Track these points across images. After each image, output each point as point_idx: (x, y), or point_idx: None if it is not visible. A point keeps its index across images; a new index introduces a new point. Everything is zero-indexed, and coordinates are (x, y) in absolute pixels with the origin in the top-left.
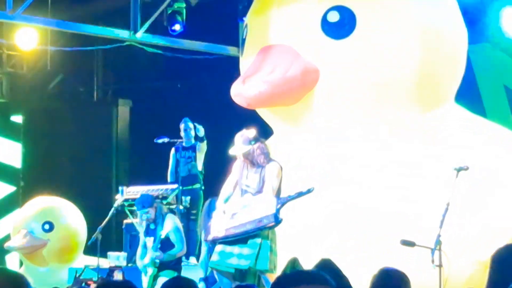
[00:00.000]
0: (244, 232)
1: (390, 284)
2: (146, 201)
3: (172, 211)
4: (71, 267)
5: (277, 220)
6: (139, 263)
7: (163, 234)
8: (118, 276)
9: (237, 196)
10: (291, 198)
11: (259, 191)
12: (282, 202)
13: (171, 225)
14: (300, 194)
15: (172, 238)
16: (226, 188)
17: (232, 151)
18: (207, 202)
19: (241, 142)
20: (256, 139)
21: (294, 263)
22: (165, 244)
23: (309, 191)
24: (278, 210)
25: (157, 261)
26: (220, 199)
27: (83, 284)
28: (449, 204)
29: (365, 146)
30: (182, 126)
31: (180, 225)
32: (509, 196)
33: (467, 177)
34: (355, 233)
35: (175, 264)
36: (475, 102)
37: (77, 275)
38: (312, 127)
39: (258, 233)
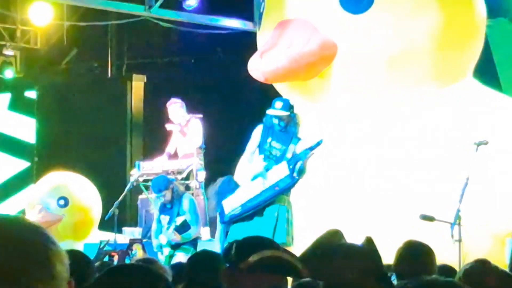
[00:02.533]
0: (262, 202)
1: (416, 255)
2: (162, 184)
3: (188, 187)
4: (86, 243)
5: (293, 180)
6: (154, 241)
7: (179, 220)
8: (137, 249)
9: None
10: (302, 154)
11: (281, 159)
12: (294, 161)
13: (187, 205)
14: (310, 149)
15: (188, 218)
16: (246, 160)
17: (272, 112)
18: (224, 179)
19: (281, 107)
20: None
21: (336, 233)
22: (182, 227)
23: (318, 144)
24: (291, 170)
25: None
26: (242, 174)
27: (107, 256)
28: (468, 179)
29: (382, 120)
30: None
31: (196, 204)
32: None
33: (486, 151)
34: (375, 208)
35: (192, 240)
36: (491, 76)
37: (101, 247)
38: (330, 102)
39: (275, 206)
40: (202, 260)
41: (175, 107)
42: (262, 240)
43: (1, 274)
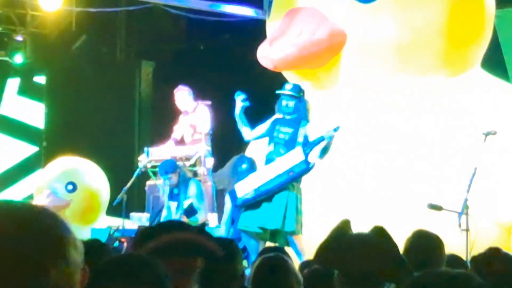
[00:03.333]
0: (276, 187)
1: (426, 245)
2: (170, 167)
3: (195, 174)
4: (93, 228)
5: (309, 165)
6: None
7: (186, 203)
8: None
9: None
10: (318, 140)
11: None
12: (310, 146)
13: (194, 191)
14: (322, 138)
15: (196, 204)
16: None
17: (281, 92)
18: (236, 158)
19: (291, 88)
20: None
21: (346, 224)
22: (189, 210)
23: (335, 130)
24: (307, 155)
25: None
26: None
27: (117, 242)
28: (476, 169)
29: (390, 110)
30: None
31: (203, 190)
32: None
33: (494, 141)
34: (384, 198)
35: (199, 226)
36: (499, 67)
37: (111, 233)
38: (339, 90)
39: (284, 193)
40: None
41: (183, 94)
42: (172, 223)
43: (16, 260)
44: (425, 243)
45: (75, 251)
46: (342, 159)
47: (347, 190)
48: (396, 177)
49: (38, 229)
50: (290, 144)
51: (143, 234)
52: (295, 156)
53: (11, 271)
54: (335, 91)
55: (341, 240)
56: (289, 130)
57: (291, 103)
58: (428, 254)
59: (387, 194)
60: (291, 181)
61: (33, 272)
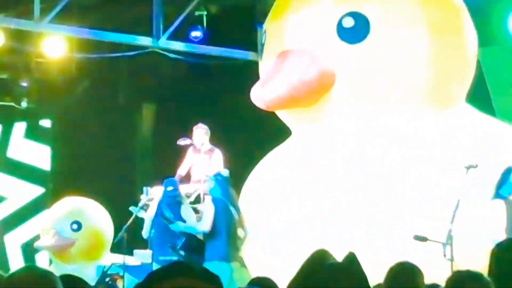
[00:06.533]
0: None
1: (406, 276)
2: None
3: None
4: (99, 265)
5: None
6: None
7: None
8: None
9: None
10: None
11: None
12: None
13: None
14: None
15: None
16: None
17: None
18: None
19: None
20: None
21: (324, 254)
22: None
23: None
24: None
25: None
26: None
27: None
28: (459, 201)
29: (379, 145)
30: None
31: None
32: None
33: (476, 174)
34: (370, 229)
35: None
36: (485, 101)
37: (105, 270)
38: (329, 127)
39: None
40: None
41: (201, 132)
42: (180, 267)
43: None
44: (406, 274)
45: None
46: (327, 189)
47: (334, 218)
48: (383, 209)
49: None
50: None
51: (151, 277)
52: None
53: None
54: (325, 128)
55: (313, 272)
56: None
57: None
58: (408, 283)
59: (375, 225)
60: None
61: None
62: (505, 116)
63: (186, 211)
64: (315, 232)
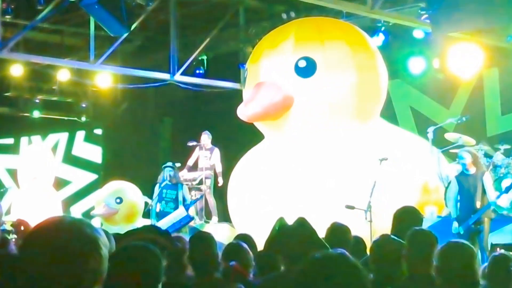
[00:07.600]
0: None
1: (339, 231)
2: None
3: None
4: (134, 227)
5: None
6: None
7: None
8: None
9: None
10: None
11: None
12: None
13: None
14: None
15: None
16: None
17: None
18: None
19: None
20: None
21: (281, 221)
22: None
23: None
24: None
25: None
26: None
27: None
28: (375, 182)
29: (324, 146)
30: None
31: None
32: (412, 175)
33: (387, 164)
34: (317, 203)
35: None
36: (392, 116)
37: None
38: (289, 134)
39: None
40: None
41: (205, 136)
42: (148, 227)
43: (68, 252)
44: (339, 231)
45: (104, 247)
46: (292, 180)
47: (294, 200)
48: (325, 188)
49: (81, 234)
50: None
51: (126, 232)
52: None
53: (66, 259)
54: (288, 134)
55: (279, 234)
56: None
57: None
58: (339, 238)
59: (320, 199)
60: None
61: (79, 260)
62: (405, 126)
63: (185, 192)
64: (280, 205)
